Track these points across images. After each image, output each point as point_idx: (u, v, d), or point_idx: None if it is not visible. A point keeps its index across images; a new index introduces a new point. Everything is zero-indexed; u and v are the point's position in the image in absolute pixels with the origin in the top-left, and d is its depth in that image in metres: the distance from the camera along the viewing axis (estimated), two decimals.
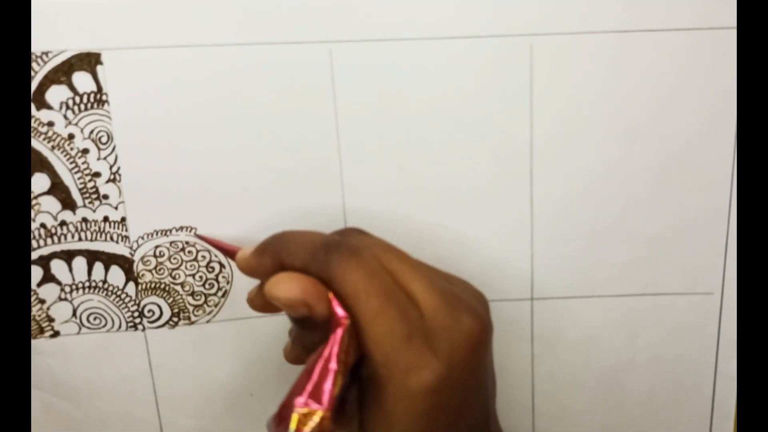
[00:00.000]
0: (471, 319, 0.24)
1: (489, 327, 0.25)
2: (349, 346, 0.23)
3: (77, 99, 0.30)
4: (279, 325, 0.33)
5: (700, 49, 0.30)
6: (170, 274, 0.32)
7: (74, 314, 0.32)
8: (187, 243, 0.32)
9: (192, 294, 0.33)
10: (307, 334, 0.25)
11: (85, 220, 0.31)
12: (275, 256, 0.25)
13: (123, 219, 0.31)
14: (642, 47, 0.30)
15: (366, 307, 0.23)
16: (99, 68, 0.29)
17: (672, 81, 0.31)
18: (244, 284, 0.33)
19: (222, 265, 0.32)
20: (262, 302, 0.27)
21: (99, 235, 0.31)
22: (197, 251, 0.32)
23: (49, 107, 0.30)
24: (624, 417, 0.36)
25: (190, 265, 0.32)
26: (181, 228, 0.32)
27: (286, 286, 0.24)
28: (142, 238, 0.32)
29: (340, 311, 0.23)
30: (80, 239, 0.31)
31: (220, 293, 0.33)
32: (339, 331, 0.23)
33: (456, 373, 0.23)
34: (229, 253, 0.30)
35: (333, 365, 0.22)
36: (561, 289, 0.34)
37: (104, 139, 0.30)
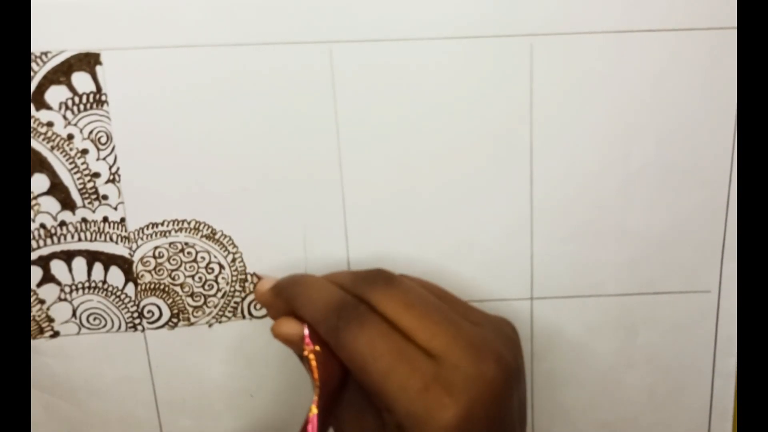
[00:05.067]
0: (495, 368, 0.25)
1: (514, 373, 0.26)
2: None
3: (76, 99, 0.30)
4: None
5: (700, 49, 0.30)
6: (170, 275, 0.32)
7: (74, 314, 0.32)
8: (186, 244, 0.32)
9: (191, 295, 0.32)
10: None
11: (84, 220, 0.31)
12: (289, 303, 0.28)
13: (122, 219, 0.31)
14: (642, 47, 0.30)
15: (374, 369, 0.24)
16: (98, 68, 0.29)
17: (672, 81, 0.31)
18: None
19: (221, 267, 0.32)
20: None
21: (98, 235, 0.31)
22: (196, 252, 0.32)
23: (49, 107, 0.30)
24: (623, 415, 0.36)
25: (190, 267, 0.32)
26: (181, 229, 0.32)
27: (288, 327, 0.27)
28: (142, 238, 0.32)
29: (308, 341, 0.26)
30: (80, 240, 0.31)
31: (219, 294, 0.33)
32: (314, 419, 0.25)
33: (477, 416, 0.24)
34: None
35: None
36: (561, 288, 0.34)
37: (103, 140, 0.30)
